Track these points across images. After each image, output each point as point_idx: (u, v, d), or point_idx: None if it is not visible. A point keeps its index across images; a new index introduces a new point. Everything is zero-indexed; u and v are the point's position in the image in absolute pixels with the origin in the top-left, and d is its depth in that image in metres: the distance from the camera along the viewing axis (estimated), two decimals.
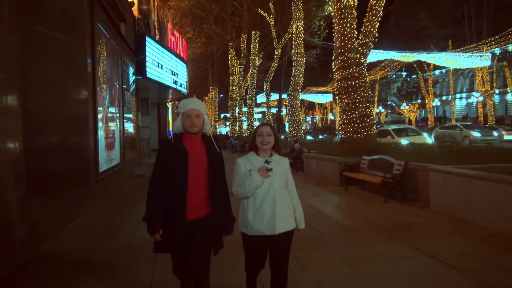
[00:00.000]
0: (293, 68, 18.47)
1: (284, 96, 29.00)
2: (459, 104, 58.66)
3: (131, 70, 11.70)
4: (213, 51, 37.98)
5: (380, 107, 64.58)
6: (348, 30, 11.31)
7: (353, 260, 4.28)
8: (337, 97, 12.63)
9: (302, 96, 54.46)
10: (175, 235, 2.62)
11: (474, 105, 49.73)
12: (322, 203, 7.71)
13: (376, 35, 11.63)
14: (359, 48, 11.34)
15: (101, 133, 6.21)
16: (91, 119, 5.55)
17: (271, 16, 22.41)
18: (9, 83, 4.01)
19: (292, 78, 18.75)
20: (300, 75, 18.42)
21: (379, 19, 11.48)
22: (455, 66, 33.29)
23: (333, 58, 11.81)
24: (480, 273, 3.89)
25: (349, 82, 11.12)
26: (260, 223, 2.66)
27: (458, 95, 58.10)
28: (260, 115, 65.69)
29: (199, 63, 45.43)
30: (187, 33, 34.22)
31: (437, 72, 53.77)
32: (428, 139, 18.56)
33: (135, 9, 12.73)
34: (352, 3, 11.42)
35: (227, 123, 41.34)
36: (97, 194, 7.07)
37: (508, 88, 41.44)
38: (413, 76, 54.68)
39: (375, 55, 31.80)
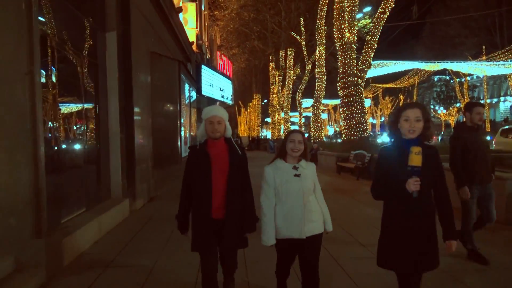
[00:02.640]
0: (316, 84, 22.63)
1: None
2: (503, 107, 59.20)
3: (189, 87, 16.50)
4: (256, 64, 42.59)
5: None
6: (348, 60, 15.34)
7: None
8: (340, 109, 16.69)
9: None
10: (204, 234, 2.82)
11: None
12: None
13: (371, 63, 15.55)
14: (357, 73, 15.31)
15: (182, 135, 10.84)
16: (178, 127, 10.19)
17: (302, 37, 26.53)
18: (148, 112, 8.69)
19: (315, 92, 22.91)
20: (322, 89, 22.51)
21: (374, 51, 15.38)
22: (481, 73, 35.45)
23: (337, 80, 15.88)
24: (373, 204, 7.98)
25: (349, 98, 15.13)
26: (289, 227, 2.73)
27: (502, 98, 58.71)
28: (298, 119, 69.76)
29: (244, 73, 50.42)
30: (232, 49, 39.22)
31: (481, 75, 54.77)
32: None
33: (194, 46, 17.46)
34: (352, 39, 15.45)
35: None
36: (178, 173, 11.86)
37: None
38: (451, 81, 56.10)
39: (401, 65, 34.94)
